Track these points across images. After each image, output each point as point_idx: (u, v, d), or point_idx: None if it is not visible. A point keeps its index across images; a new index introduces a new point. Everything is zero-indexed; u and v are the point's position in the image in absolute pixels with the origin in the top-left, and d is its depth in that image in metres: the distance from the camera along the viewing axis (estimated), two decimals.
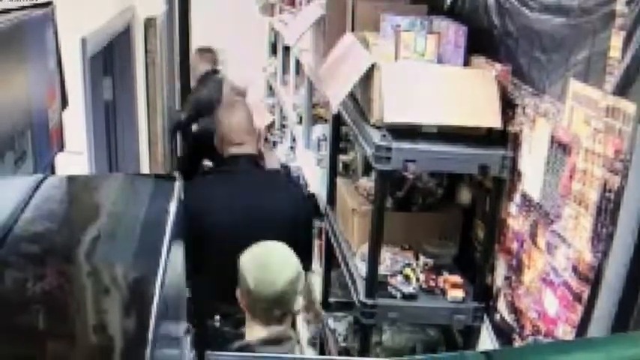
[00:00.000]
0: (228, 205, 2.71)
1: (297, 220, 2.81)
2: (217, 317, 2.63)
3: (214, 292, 2.60)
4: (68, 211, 1.44)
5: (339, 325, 3.04)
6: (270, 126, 6.41)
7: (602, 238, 1.65)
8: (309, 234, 3.09)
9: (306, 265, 3.14)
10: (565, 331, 1.79)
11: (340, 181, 3.06)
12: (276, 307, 2.08)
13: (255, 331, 2.14)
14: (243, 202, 2.73)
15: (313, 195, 3.56)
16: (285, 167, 4.69)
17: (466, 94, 2.23)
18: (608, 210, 1.63)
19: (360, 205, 2.66)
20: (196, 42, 6.38)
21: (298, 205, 2.88)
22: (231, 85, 5.93)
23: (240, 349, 2.13)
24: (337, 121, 3.14)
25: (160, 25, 3.94)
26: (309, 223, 3.10)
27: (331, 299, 3.28)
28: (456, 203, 2.64)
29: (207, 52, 6.01)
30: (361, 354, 2.47)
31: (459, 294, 2.33)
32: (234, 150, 2.86)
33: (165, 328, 1.10)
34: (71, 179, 1.58)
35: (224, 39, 6.63)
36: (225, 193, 2.75)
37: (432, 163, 2.20)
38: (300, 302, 2.14)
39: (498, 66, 2.25)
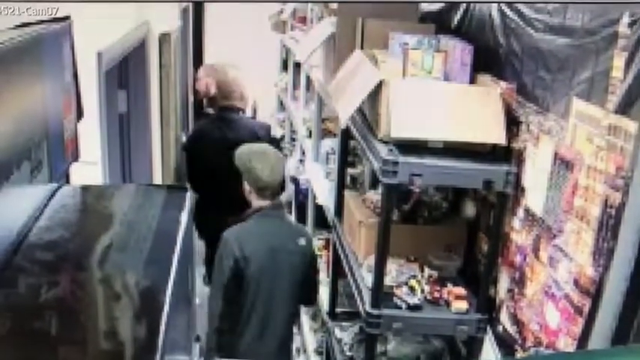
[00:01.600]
0: (219, 137, 4.36)
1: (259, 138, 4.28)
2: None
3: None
4: (82, 219, 1.44)
5: (345, 334, 3.05)
6: (281, 140, 6.44)
7: (603, 253, 1.66)
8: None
9: None
10: (566, 343, 1.81)
11: (348, 194, 3.09)
12: (277, 187, 3.15)
13: (262, 203, 3.13)
14: (226, 132, 4.39)
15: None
16: (294, 179, 4.80)
17: (472, 111, 2.26)
18: (609, 225, 1.65)
19: (367, 218, 2.68)
20: (209, 57, 6.44)
21: (264, 128, 4.69)
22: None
23: (256, 212, 3.11)
24: (346, 135, 3.17)
25: (175, 40, 3.98)
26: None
27: (338, 309, 3.30)
28: (460, 217, 2.66)
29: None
30: None
31: (462, 305, 2.35)
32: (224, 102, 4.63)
33: (174, 335, 1.13)
34: (85, 189, 1.57)
35: (237, 55, 6.69)
36: (215, 128, 4.50)
37: (437, 177, 2.22)
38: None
39: (503, 84, 2.28)
